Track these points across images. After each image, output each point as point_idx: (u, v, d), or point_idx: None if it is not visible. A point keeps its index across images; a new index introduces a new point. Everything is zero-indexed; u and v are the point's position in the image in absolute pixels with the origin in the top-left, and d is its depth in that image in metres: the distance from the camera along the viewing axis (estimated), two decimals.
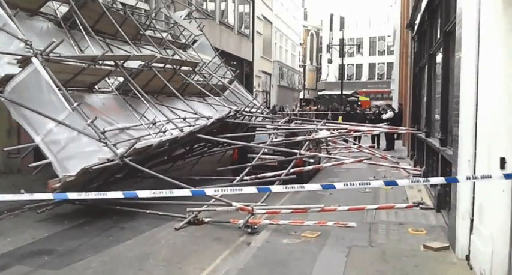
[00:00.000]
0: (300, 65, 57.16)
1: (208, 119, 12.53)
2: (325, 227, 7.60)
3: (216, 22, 26.72)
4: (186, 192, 5.24)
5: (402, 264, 6.11)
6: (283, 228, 7.75)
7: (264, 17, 37.79)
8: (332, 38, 60.23)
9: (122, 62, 10.95)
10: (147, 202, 8.75)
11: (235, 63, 27.77)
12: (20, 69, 8.83)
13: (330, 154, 16.02)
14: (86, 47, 12.20)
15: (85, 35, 12.10)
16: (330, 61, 62.44)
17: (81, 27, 12.02)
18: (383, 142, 22.15)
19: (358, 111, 27.45)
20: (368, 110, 28.85)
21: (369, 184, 4.95)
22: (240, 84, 21.02)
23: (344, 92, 46.51)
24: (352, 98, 49.68)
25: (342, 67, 51.99)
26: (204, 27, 20.59)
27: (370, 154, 15.41)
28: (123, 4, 15.70)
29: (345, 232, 7.45)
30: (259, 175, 10.96)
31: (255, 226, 7.74)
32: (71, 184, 7.99)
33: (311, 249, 6.72)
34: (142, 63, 11.87)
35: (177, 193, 5.24)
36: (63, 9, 12.59)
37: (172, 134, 10.64)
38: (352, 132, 15.17)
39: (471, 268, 5.84)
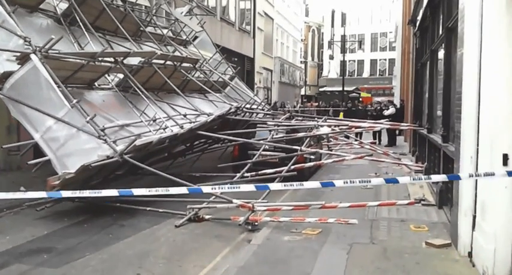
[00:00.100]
0: (301, 61, 57.05)
1: (208, 116, 12.47)
2: (326, 224, 7.55)
3: (217, 18, 26.64)
4: (182, 190, 5.17)
5: (404, 261, 6.06)
6: (284, 225, 7.70)
7: (265, 13, 37.68)
8: (333, 34, 60.03)
9: (121, 58, 10.89)
10: (147, 199, 8.67)
11: (236, 59, 27.69)
12: (19, 66, 8.79)
13: (331, 151, 15.95)
14: (85, 44, 12.14)
15: (85, 32, 12.05)
16: (331, 57, 62.36)
17: (81, 24, 11.97)
18: (384, 138, 22.07)
19: (360, 108, 27.33)
20: (370, 106, 28.75)
21: (370, 181, 4.85)
22: (240, 81, 20.94)
23: (345, 88, 46.44)
24: (354, 94, 49.51)
25: (343, 63, 51.90)
26: (205, 24, 20.51)
27: (372, 150, 15.34)
28: (123, 0, 15.66)
29: (346, 229, 7.40)
30: (259, 172, 10.90)
31: (256, 223, 7.70)
32: (70, 181, 7.95)
33: (312, 246, 6.67)
34: (143, 59, 11.81)
35: (173, 191, 5.16)
36: (63, 5, 12.52)
37: (172, 130, 10.59)
38: (353, 129, 15.09)
39: (473, 265, 5.79)
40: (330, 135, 15.47)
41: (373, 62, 68.19)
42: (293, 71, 49.92)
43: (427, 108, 12.80)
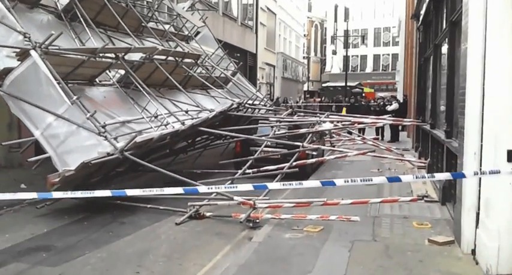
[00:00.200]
0: (304, 57, 56.88)
1: (210, 112, 12.40)
2: (328, 221, 7.48)
3: (219, 14, 26.53)
4: (177, 190, 5.07)
5: (406, 259, 5.98)
6: (285, 222, 7.63)
7: (267, 9, 37.52)
8: (336, 29, 59.92)
9: (122, 54, 10.82)
10: (148, 196, 8.63)
11: (238, 55, 27.58)
12: (19, 62, 8.74)
13: (334, 146, 15.88)
14: (86, 40, 12.07)
15: (86, 28, 11.97)
16: (334, 52, 62.16)
17: (81, 20, 11.89)
18: (387, 134, 21.98)
19: (363, 103, 27.23)
20: (373, 101, 28.62)
21: (371, 180, 4.75)
22: (243, 77, 20.86)
23: (348, 84, 46.28)
24: (357, 89, 49.34)
25: (346, 58, 51.71)
26: (207, 19, 20.40)
27: (375, 145, 15.27)
28: None
29: (348, 226, 7.33)
30: (261, 168, 10.84)
31: (257, 221, 7.62)
32: (70, 178, 7.90)
33: (313, 244, 6.60)
34: (144, 55, 11.74)
35: (168, 191, 5.06)
36: (64, 1, 12.42)
37: (173, 127, 10.53)
38: (356, 124, 15.00)
39: (477, 263, 5.71)
40: (332, 131, 15.38)
41: (376, 57, 68.01)
42: (296, 66, 49.79)
43: (430, 103, 12.71)
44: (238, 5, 30.60)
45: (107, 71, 11.47)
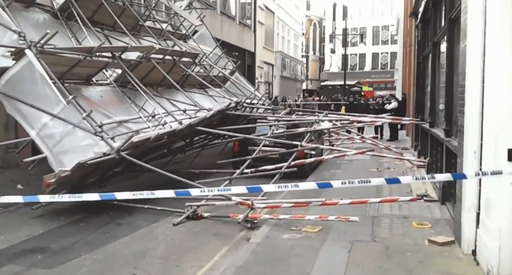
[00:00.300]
0: (302, 56, 56.77)
1: (208, 111, 12.32)
2: (327, 221, 7.40)
3: (217, 12, 26.44)
4: (169, 193, 4.95)
5: (406, 260, 5.91)
6: (283, 223, 7.55)
7: (266, 7, 37.44)
8: (335, 28, 59.81)
9: (119, 53, 10.73)
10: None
11: (237, 54, 27.50)
12: (14, 61, 8.64)
13: (333, 146, 15.81)
14: (83, 39, 11.97)
15: (82, 27, 11.88)
16: (333, 51, 62.10)
17: (78, 19, 11.80)
18: (386, 133, 21.91)
19: (362, 102, 27.15)
20: (372, 100, 28.54)
21: (369, 181, 4.65)
22: (241, 76, 20.79)
23: (347, 82, 46.21)
24: (356, 88, 49.26)
25: (345, 57, 51.63)
26: (205, 18, 20.33)
27: (373, 144, 15.19)
28: None
29: (347, 227, 7.25)
30: (259, 168, 10.75)
31: (255, 221, 7.55)
32: (66, 179, 7.82)
33: (312, 245, 6.52)
34: (141, 54, 11.65)
35: (158, 194, 4.93)
36: (60, 0, 12.34)
37: (171, 126, 10.44)
38: (355, 123, 14.93)
39: (477, 264, 5.64)
40: (331, 130, 15.31)
41: (375, 56, 67.93)
42: (294, 65, 49.70)
43: (429, 102, 12.65)
44: (236, 4, 30.52)
45: (104, 71, 11.37)
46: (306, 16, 60.80)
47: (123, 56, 10.95)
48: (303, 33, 57.31)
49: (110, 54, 10.62)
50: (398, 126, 22.07)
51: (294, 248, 6.39)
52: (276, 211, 7.97)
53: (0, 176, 11.09)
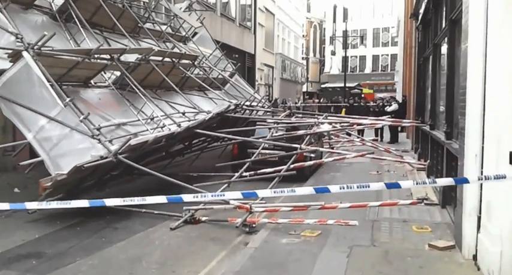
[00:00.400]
0: (303, 58, 56.67)
1: (207, 114, 12.24)
2: (326, 225, 7.32)
3: (217, 14, 26.37)
4: (161, 199, 4.85)
5: (406, 265, 5.82)
6: (282, 227, 7.47)
7: (266, 9, 37.36)
8: (335, 30, 59.67)
9: (118, 55, 10.65)
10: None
11: (237, 56, 27.41)
12: (11, 63, 8.57)
13: (333, 148, 15.73)
14: (82, 41, 11.90)
15: (81, 29, 11.80)
16: (333, 53, 61.99)
17: (76, 21, 11.72)
18: (386, 135, 21.83)
19: (362, 104, 27.09)
20: (372, 102, 28.48)
21: (368, 186, 4.55)
22: (241, 78, 20.71)
23: (348, 85, 46.15)
24: (356, 90, 49.21)
25: (345, 59, 51.54)
26: (205, 20, 20.25)
27: (374, 147, 15.11)
28: None
29: (346, 231, 7.17)
30: (258, 171, 10.66)
31: (253, 225, 7.47)
32: (63, 182, 7.76)
33: (311, 249, 6.43)
34: (140, 56, 11.58)
35: (150, 200, 4.82)
36: (59, 1, 12.25)
37: (170, 129, 10.36)
38: (355, 126, 14.85)
39: (478, 269, 5.56)
40: (330, 132, 15.22)
41: (375, 58, 67.85)
42: (295, 67, 49.61)
43: (430, 104, 12.58)
44: (236, 6, 30.45)
45: (102, 73, 11.30)
46: (307, 18, 60.71)
47: (122, 58, 10.88)
48: (303, 35, 57.23)
49: (108, 56, 10.54)
50: (399, 128, 22.00)
51: (292, 253, 6.31)
52: (274, 214, 7.88)
53: None
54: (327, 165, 13.81)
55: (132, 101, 11.04)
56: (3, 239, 7.16)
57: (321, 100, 39.05)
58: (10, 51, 8.60)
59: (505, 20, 5.10)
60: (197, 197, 4.68)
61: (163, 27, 17.18)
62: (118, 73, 11.44)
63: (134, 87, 10.78)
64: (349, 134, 17.79)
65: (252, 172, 10.63)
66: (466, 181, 5.16)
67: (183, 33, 18.65)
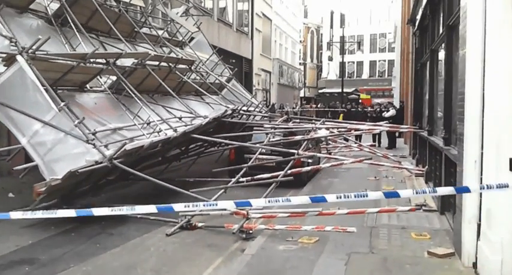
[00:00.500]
0: (300, 63, 56.74)
1: (204, 119, 12.15)
2: (324, 232, 7.23)
3: (215, 19, 26.34)
4: (150, 208, 4.71)
5: (405, 273, 5.74)
6: (279, 233, 7.38)
7: (263, 14, 37.38)
8: (332, 36, 59.84)
9: (113, 60, 10.57)
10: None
11: (234, 61, 27.37)
12: (6, 67, 8.48)
13: (330, 154, 15.66)
14: (77, 45, 11.82)
15: (76, 33, 11.72)
16: (330, 59, 62.12)
17: (72, 25, 11.64)
18: (384, 141, 21.78)
19: (359, 109, 27.06)
20: (369, 107, 28.46)
21: (367, 196, 4.46)
22: (238, 83, 20.65)
23: (345, 90, 46.15)
24: (353, 95, 49.23)
25: (342, 65, 51.61)
26: (202, 25, 20.21)
27: (371, 152, 15.04)
28: (117, 1, 15.32)
29: (344, 237, 7.08)
30: (255, 177, 10.57)
31: (250, 231, 7.37)
32: (57, 187, 7.65)
33: (308, 256, 6.34)
34: (136, 61, 11.50)
35: (139, 210, 4.70)
36: (55, 5, 12.19)
37: (166, 134, 10.27)
38: (352, 131, 14.79)
39: None
40: (328, 138, 15.15)
41: (373, 63, 67.97)
42: (292, 72, 49.61)
43: (428, 109, 12.52)
44: (233, 11, 30.43)
45: (98, 77, 11.21)
46: (304, 24, 60.83)
47: (118, 63, 10.80)
48: (300, 41, 57.29)
49: (104, 61, 10.46)
50: (396, 134, 21.95)
51: (289, 260, 6.22)
52: (271, 221, 7.78)
53: None
54: (324, 170, 13.73)
55: (128, 106, 10.94)
56: None
57: (319, 105, 39.00)
58: (4, 55, 8.52)
59: (505, 20, 5.05)
60: (188, 206, 4.52)
61: (160, 32, 17.11)
62: (114, 78, 11.34)
63: (130, 92, 10.69)
64: (347, 140, 17.74)
65: (249, 178, 10.55)
66: (468, 190, 5.01)
67: (180, 38, 18.57)
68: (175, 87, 13.70)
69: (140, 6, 17.33)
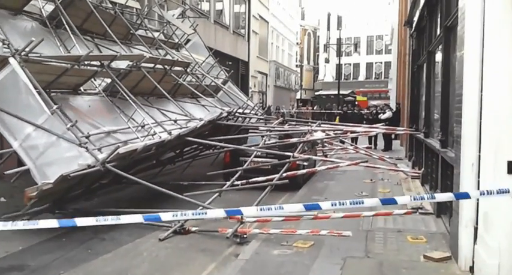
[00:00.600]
0: (297, 65, 56.69)
1: (199, 121, 12.05)
2: (319, 236, 7.14)
3: (211, 21, 26.27)
4: (136, 218, 4.60)
5: None
6: (274, 237, 7.28)
7: (260, 17, 37.33)
8: (329, 38, 59.87)
9: (108, 62, 10.47)
10: (132, 210, 8.20)
11: (230, 63, 27.30)
12: None
13: (326, 156, 15.57)
14: (72, 47, 11.71)
15: (71, 35, 11.62)
16: (327, 61, 62.12)
17: (67, 27, 11.54)
18: (380, 143, 21.71)
19: (356, 111, 27.01)
20: (366, 110, 28.42)
21: (363, 202, 4.36)
22: (234, 85, 20.57)
23: (341, 92, 46.14)
24: (350, 97, 49.22)
25: (339, 67, 51.56)
26: (199, 27, 20.13)
27: (367, 155, 14.96)
28: (113, 3, 15.21)
29: (339, 242, 6.99)
30: (250, 180, 10.46)
31: (245, 236, 7.26)
32: (49, 192, 7.52)
33: (303, 261, 6.25)
34: (131, 63, 11.40)
35: (125, 219, 4.59)
36: (49, 7, 12.08)
37: (160, 137, 10.17)
38: (348, 133, 14.71)
39: None
40: (324, 140, 15.07)
41: (369, 65, 68.00)
42: (288, 74, 49.56)
43: (424, 111, 12.47)
44: (230, 13, 30.36)
45: (93, 80, 11.10)
46: (301, 26, 60.80)
47: (113, 65, 10.69)
48: (297, 43, 57.27)
49: (98, 63, 10.36)
50: (393, 136, 21.89)
51: (284, 265, 6.12)
52: (266, 225, 7.69)
53: None
54: (320, 173, 13.62)
55: (122, 109, 10.84)
56: None
57: (315, 107, 38.95)
58: None
59: (505, 20, 4.98)
60: (176, 216, 4.40)
61: (156, 34, 17.02)
62: (109, 80, 11.24)
63: (125, 95, 10.58)
64: (343, 142, 17.66)
65: (244, 181, 10.43)
66: (467, 196, 4.89)
67: (176, 40, 18.50)
68: (170, 90, 13.61)
69: (136, 8, 17.23)
